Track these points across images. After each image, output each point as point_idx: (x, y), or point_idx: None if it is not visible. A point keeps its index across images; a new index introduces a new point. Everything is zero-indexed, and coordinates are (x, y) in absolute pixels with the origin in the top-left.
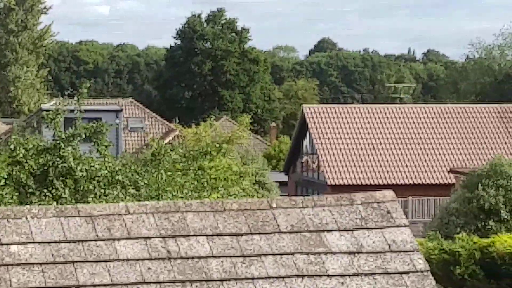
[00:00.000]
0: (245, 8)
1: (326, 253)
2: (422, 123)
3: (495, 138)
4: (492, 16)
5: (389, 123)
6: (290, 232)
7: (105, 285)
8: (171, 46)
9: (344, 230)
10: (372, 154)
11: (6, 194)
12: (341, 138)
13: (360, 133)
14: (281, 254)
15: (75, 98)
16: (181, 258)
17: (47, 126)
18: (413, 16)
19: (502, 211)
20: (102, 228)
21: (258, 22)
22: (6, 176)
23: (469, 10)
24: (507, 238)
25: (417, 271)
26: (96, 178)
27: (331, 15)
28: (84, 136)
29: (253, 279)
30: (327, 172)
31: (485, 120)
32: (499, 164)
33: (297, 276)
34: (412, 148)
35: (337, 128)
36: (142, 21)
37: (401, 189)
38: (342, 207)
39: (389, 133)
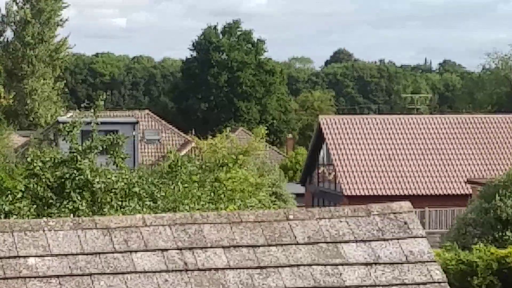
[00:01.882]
0: (260, 19)
1: (343, 265)
2: (439, 133)
3: None
4: (508, 26)
5: (406, 133)
6: (307, 244)
7: None
8: (187, 58)
9: (361, 241)
10: (388, 165)
11: (23, 206)
12: (357, 148)
13: (376, 143)
14: (298, 266)
15: (92, 110)
16: (198, 270)
17: (64, 139)
18: (428, 26)
19: None
20: (119, 240)
21: (273, 33)
22: (23, 189)
23: (485, 21)
24: None
25: (434, 282)
26: (113, 190)
27: (345, 26)
28: (100, 148)
29: None
30: (343, 183)
31: (502, 130)
32: None
33: (314, 287)
34: (429, 159)
35: (354, 138)
36: (158, 33)
37: (418, 200)
38: (359, 218)
39: (406, 144)
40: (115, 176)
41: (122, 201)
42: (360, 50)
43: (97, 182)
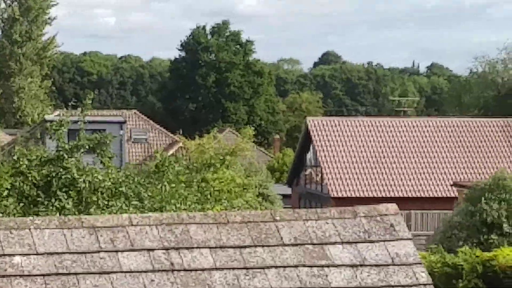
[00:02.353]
0: (255, 20)
1: (329, 266)
2: (426, 136)
3: (498, 152)
4: (498, 29)
5: (393, 136)
6: (293, 245)
7: None
8: (175, 58)
9: (347, 242)
10: (375, 167)
11: (9, 204)
12: (344, 151)
13: (363, 146)
14: (284, 267)
15: (79, 109)
16: (184, 270)
17: (51, 137)
18: (418, 29)
19: (504, 225)
20: (105, 239)
21: (268, 34)
22: (9, 187)
23: (475, 23)
24: (509, 251)
25: (420, 284)
26: (100, 190)
27: (336, 28)
28: (87, 147)
29: None
30: (330, 184)
31: (488, 134)
32: (502, 178)
33: None
34: (415, 161)
35: (341, 140)
36: (149, 32)
37: (404, 202)
38: (345, 219)
39: (393, 146)
40: (102, 175)
41: (108, 200)
42: (350, 52)
43: (84, 181)
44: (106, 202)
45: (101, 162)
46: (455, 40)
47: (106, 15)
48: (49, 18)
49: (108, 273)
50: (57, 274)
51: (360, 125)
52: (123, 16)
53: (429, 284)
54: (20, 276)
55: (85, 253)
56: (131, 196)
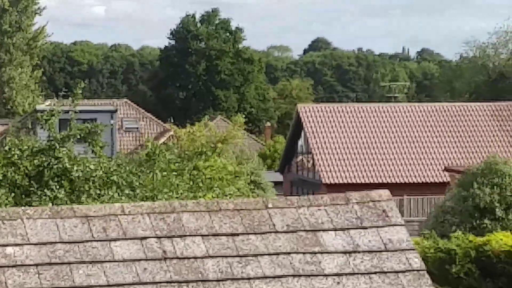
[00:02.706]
0: (243, 8)
1: (322, 253)
2: (417, 121)
3: (489, 136)
4: (487, 15)
5: (384, 122)
6: (286, 232)
7: (101, 286)
8: (165, 46)
9: (340, 229)
10: (367, 153)
11: (1, 195)
12: (336, 137)
13: (355, 132)
14: (277, 254)
15: (70, 98)
16: (177, 258)
17: (42, 127)
18: (407, 15)
19: (497, 210)
20: (97, 228)
21: (255, 22)
22: (1, 178)
23: (464, 10)
24: (502, 236)
25: (413, 270)
26: (92, 179)
27: (327, 15)
28: (79, 136)
29: (249, 279)
30: (322, 171)
31: (480, 119)
32: (494, 163)
33: (293, 275)
34: (407, 147)
35: (332, 127)
36: (138, 21)
37: (396, 188)
38: (338, 206)
39: (384, 132)
40: (94, 165)
41: (100, 189)
42: (340, 39)
43: (76, 170)
44: (98, 191)
45: (93, 151)
46: (444, 27)
47: (96, 4)
48: (38, 8)
49: (101, 262)
50: (50, 263)
51: (351, 112)
52: (113, 4)
53: (422, 269)
54: (13, 266)
55: (77, 242)
56: (123, 185)
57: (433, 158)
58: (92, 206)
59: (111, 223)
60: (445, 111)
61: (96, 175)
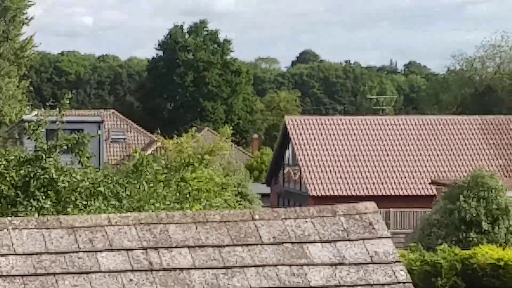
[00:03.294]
0: (231, 19)
1: (308, 265)
2: (404, 134)
3: (476, 149)
4: (475, 27)
5: (371, 134)
6: (272, 244)
7: None
8: (153, 57)
9: (326, 241)
10: (354, 165)
11: None
12: (323, 149)
13: (342, 144)
14: (263, 266)
15: (57, 109)
16: (163, 269)
17: (29, 137)
18: (395, 28)
19: (483, 223)
20: (83, 239)
21: (243, 33)
22: None
23: (452, 22)
24: (488, 249)
25: (399, 283)
26: (78, 189)
27: (315, 27)
28: (65, 147)
29: None
30: (309, 183)
31: (466, 132)
32: (480, 176)
33: (280, 287)
34: (394, 160)
35: (319, 139)
36: (126, 32)
37: (383, 201)
38: (324, 218)
39: (371, 145)
40: (80, 175)
41: (87, 200)
42: (328, 51)
43: (62, 181)
44: (84, 202)
45: (80, 162)
46: (431, 40)
47: (83, 14)
48: (26, 18)
49: (87, 273)
50: (35, 274)
51: (338, 124)
52: (100, 15)
53: (408, 282)
54: None
55: (63, 253)
56: (109, 196)
57: (419, 171)
58: (79, 216)
59: (97, 234)
60: (432, 124)
61: (82, 186)
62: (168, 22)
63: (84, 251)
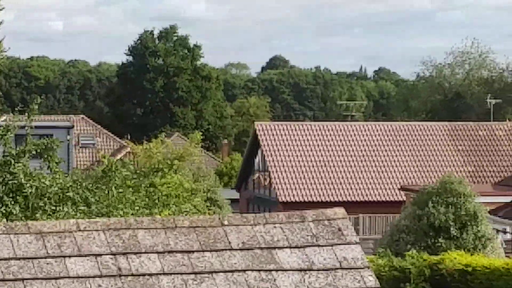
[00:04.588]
0: (203, 25)
1: (277, 270)
2: (373, 140)
3: (445, 155)
4: (445, 34)
5: (341, 140)
6: (241, 249)
7: None
8: (123, 63)
9: (296, 247)
10: (323, 171)
11: None
12: (292, 155)
13: (311, 150)
14: (232, 271)
15: (26, 114)
16: (132, 275)
17: None
18: (365, 34)
19: (451, 229)
20: (52, 245)
21: (214, 39)
22: None
23: (422, 29)
24: (456, 255)
25: None
26: (47, 195)
27: (285, 33)
28: (34, 152)
29: None
30: (278, 189)
31: (435, 138)
32: (449, 182)
33: None
34: (363, 165)
35: (289, 145)
36: (97, 37)
37: (352, 206)
38: (294, 224)
39: (341, 151)
40: (49, 181)
41: (55, 205)
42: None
43: (31, 186)
44: (53, 208)
45: (48, 167)
46: (401, 46)
47: (54, 19)
48: None
49: (56, 278)
50: (3, 280)
51: (308, 130)
52: (70, 19)
53: (377, 287)
54: None
55: (32, 258)
56: (78, 201)
57: (389, 177)
58: (47, 222)
59: (66, 239)
60: (401, 130)
61: (51, 191)
62: (139, 28)
63: (52, 257)
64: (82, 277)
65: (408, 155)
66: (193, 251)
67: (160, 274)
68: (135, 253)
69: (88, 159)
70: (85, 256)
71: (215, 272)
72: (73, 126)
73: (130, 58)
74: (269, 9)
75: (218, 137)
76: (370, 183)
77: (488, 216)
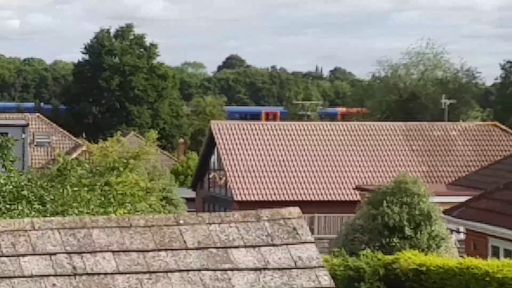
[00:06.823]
0: (160, 24)
1: (232, 270)
2: (328, 140)
3: (399, 155)
4: (401, 34)
5: (296, 140)
6: (196, 249)
7: None
8: (79, 61)
9: (251, 246)
10: (279, 171)
11: None
12: (248, 154)
13: (267, 149)
14: (188, 271)
15: None
16: (87, 274)
17: None
18: (322, 34)
19: (406, 228)
20: (6, 244)
21: (172, 38)
22: None
23: (378, 29)
24: (410, 255)
25: (322, 287)
26: (1, 193)
27: (242, 32)
28: None
29: None
30: (234, 188)
31: (390, 138)
32: (403, 182)
33: None
34: (318, 165)
35: (245, 144)
36: (53, 35)
37: (307, 206)
38: (249, 223)
39: (296, 150)
40: (4, 179)
41: (10, 204)
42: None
43: None
44: (7, 206)
45: (3, 165)
46: (357, 46)
47: (9, 16)
48: None
49: (10, 277)
50: None
51: (263, 129)
52: (26, 18)
53: (332, 287)
54: None
55: None
56: (33, 200)
57: (344, 177)
58: (1, 221)
59: (20, 238)
60: (356, 130)
61: (6, 190)
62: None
63: (6, 256)
64: (36, 276)
65: (363, 155)
66: (148, 251)
67: (115, 273)
68: (90, 252)
69: (43, 157)
70: (40, 255)
71: (171, 271)
72: (28, 124)
73: (86, 57)
74: (226, 9)
75: (174, 136)
76: (326, 182)
77: (442, 216)
